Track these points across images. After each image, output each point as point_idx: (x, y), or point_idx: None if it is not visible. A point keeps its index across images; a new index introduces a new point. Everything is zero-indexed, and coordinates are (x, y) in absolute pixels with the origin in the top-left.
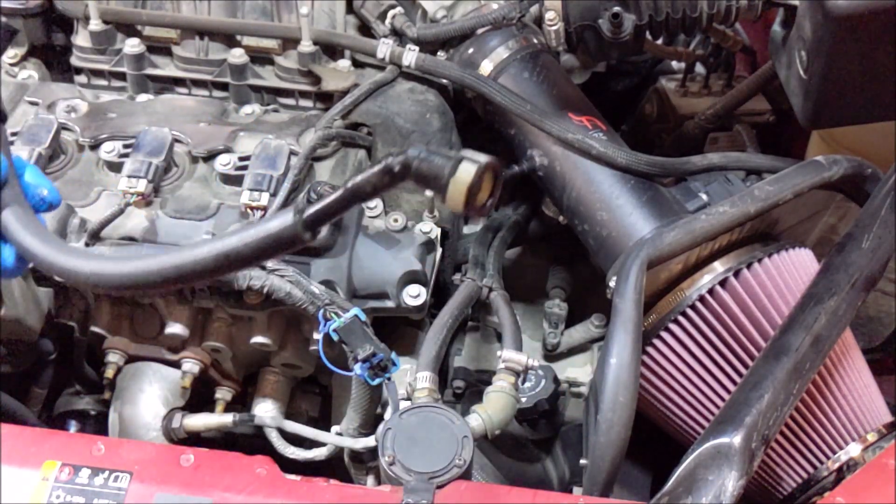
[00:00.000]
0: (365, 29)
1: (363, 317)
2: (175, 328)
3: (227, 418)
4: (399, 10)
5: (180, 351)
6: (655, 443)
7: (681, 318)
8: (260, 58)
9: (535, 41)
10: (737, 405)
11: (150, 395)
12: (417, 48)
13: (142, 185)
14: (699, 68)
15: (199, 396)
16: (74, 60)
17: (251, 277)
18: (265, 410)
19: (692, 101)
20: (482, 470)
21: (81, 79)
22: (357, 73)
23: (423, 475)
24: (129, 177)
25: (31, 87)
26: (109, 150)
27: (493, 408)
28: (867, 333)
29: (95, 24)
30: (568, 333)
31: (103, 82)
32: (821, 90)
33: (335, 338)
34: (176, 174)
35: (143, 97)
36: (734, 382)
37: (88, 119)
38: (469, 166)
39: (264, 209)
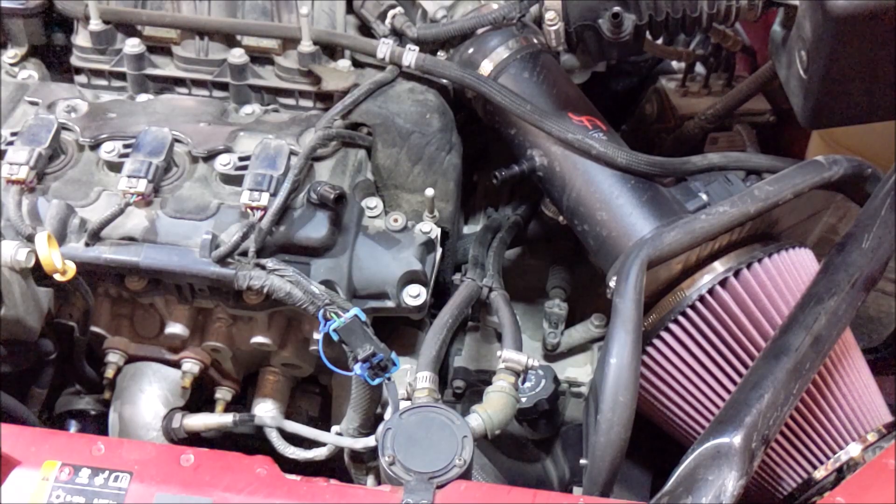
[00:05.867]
0: (365, 29)
1: (363, 317)
2: (175, 328)
3: (227, 418)
4: (399, 10)
5: (180, 351)
6: (655, 443)
7: (681, 318)
8: (260, 58)
9: (535, 41)
10: (737, 405)
11: (150, 395)
12: (417, 48)
13: (142, 185)
14: (699, 68)
15: (199, 396)
16: (74, 60)
17: (251, 277)
18: (265, 410)
19: (692, 101)
20: (482, 470)
21: (81, 79)
22: (357, 73)
23: (423, 475)
24: (129, 177)
25: (31, 87)
26: (109, 150)
27: (493, 408)
28: (867, 333)
29: (95, 24)
30: (568, 333)
31: (103, 82)
32: (821, 90)
33: (335, 338)
34: (176, 174)
35: (143, 97)
36: (734, 382)
37: (88, 119)
38: None
39: (264, 209)
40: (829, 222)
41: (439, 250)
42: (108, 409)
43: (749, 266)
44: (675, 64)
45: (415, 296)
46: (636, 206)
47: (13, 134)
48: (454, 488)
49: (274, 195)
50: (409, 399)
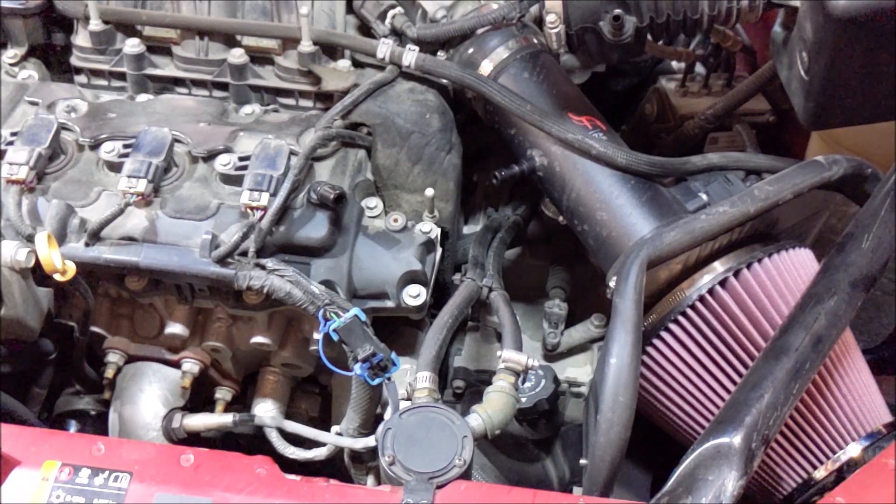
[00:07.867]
0: (365, 29)
1: (363, 317)
2: (175, 328)
3: (227, 418)
4: (399, 10)
5: (180, 351)
6: (655, 443)
7: (681, 318)
8: (260, 58)
9: (535, 41)
10: (737, 405)
11: (150, 395)
12: (417, 48)
13: (142, 185)
14: (699, 68)
15: (199, 396)
16: (74, 60)
17: (251, 277)
18: (265, 410)
19: (692, 101)
20: (482, 470)
21: (81, 79)
22: (357, 73)
23: (423, 475)
24: (129, 177)
25: (31, 87)
26: (109, 150)
27: (493, 408)
28: (867, 333)
29: (95, 24)
30: (568, 333)
31: (103, 82)
32: (822, 91)
33: (335, 338)
34: (176, 174)
35: (142, 97)
36: (734, 382)
37: (88, 119)
38: None
39: (264, 209)
40: (829, 222)
41: (439, 250)
42: (108, 409)
43: (749, 266)
44: (674, 64)
45: (415, 296)
46: (636, 206)
47: (13, 134)
48: (454, 488)
49: (274, 195)
50: (409, 399)
